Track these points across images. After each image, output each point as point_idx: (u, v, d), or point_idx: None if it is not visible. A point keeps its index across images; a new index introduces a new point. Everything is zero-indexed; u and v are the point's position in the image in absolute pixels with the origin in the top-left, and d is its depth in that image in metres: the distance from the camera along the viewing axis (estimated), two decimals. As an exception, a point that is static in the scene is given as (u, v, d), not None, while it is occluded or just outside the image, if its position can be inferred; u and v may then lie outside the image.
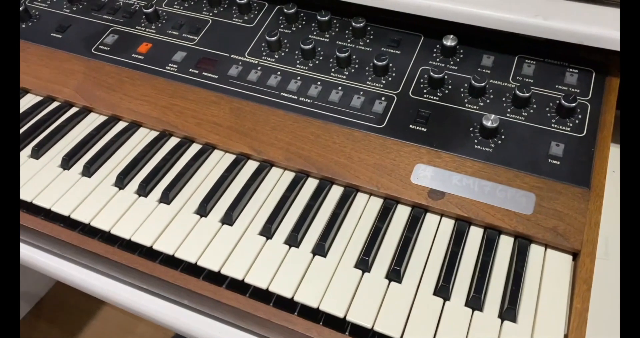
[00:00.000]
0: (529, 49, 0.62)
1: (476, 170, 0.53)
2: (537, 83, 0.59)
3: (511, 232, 0.50)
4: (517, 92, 0.56)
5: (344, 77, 0.62)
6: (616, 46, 0.55)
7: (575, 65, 0.60)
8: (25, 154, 0.59)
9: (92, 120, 0.63)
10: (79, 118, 0.63)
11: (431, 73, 0.59)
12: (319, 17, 0.66)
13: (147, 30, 0.70)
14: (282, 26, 0.68)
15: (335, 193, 0.55)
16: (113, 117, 0.63)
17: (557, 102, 0.56)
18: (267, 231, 0.51)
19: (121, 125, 0.62)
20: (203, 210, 0.53)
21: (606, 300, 0.49)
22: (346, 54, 0.62)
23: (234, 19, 0.70)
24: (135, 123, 0.62)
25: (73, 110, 0.64)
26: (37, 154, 0.59)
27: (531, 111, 0.57)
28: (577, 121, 0.56)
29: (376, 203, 0.53)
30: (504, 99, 0.58)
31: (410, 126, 0.57)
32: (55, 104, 0.65)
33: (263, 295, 0.48)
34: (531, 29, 0.57)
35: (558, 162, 0.53)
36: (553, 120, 0.56)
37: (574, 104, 0.55)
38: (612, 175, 0.61)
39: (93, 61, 0.67)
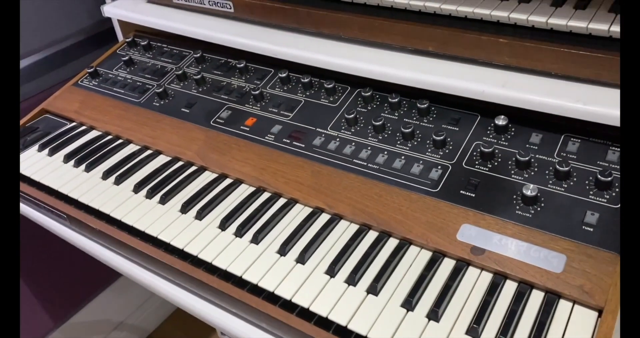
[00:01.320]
0: (574, 129, 0.70)
1: (515, 232, 0.61)
2: (579, 158, 0.67)
3: (542, 288, 0.57)
4: (557, 166, 0.64)
5: (407, 148, 0.74)
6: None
7: (618, 143, 0.67)
8: (155, 200, 0.77)
9: (206, 177, 0.80)
10: (197, 175, 0.81)
11: (482, 147, 0.69)
12: (389, 99, 0.79)
13: (253, 107, 0.88)
14: (359, 105, 0.83)
15: (390, 244, 0.65)
16: (222, 175, 0.80)
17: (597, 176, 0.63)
18: (331, 271, 0.62)
19: (227, 181, 0.79)
20: (283, 250, 0.66)
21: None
22: (410, 130, 0.74)
23: (321, 100, 0.86)
24: (238, 180, 0.78)
25: (193, 168, 0.82)
26: (164, 201, 0.76)
27: (571, 183, 0.64)
28: (613, 194, 0.62)
29: (425, 256, 0.63)
30: (547, 171, 0.66)
31: (461, 191, 0.67)
32: (179, 163, 0.84)
33: (325, 324, 0.58)
34: (573, 112, 0.66)
35: (591, 229, 0.59)
36: (591, 192, 0.63)
37: (609, 178, 0.61)
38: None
39: (211, 131, 0.86)
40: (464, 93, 0.73)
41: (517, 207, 0.64)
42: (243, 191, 0.77)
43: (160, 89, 0.94)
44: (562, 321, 0.54)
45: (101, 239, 0.78)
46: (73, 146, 0.90)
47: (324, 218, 0.70)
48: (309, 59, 0.85)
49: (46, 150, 0.90)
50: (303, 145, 0.79)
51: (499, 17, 0.71)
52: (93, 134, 0.93)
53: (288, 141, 0.80)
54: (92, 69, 1.03)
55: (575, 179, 0.65)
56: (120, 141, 0.91)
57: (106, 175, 0.83)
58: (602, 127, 0.65)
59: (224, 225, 0.71)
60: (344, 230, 0.68)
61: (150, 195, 0.78)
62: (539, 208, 0.63)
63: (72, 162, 0.87)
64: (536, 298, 0.56)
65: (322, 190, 0.72)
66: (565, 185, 0.64)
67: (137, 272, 0.74)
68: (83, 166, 0.85)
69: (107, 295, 1.55)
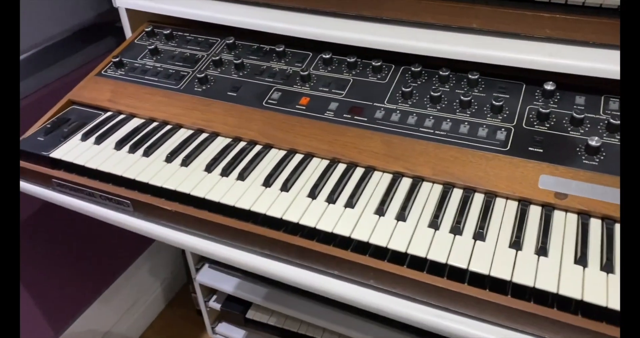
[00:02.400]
0: (612, 90, 0.80)
1: (588, 178, 0.70)
2: (622, 114, 0.77)
3: (625, 221, 0.65)
4: (611, 120, 0.73)
5: (468, 115, 0.81)
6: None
7: (651, 100, 0.77)
8: (232, 177, 0.78)
9: (275, 154, 0.82)
10: (265, 152, 0.82)
11: (540, 109, 0.77)
12: (440, 72, 0.86)
13: (302, 88, 0.91)
14: (409, 81, 0.88)
15: (478, 199, 0.71)
16: (291, 150, 0.82)
17: None
18: (435, 224, 0.67)
19: (299, 157, 0.81)
20: (380, 211, 0.70)
21: None
22: (468, 98, 0.81)
23: (369, 77, 0.90)
24: (309, 154, 0.81)
25: (257, 147, 0.84)
26: (242, 176, 0.77)
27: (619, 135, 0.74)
28: (661, 140, 0.72)
29: (513, 205, 0.70)
30: (598, 126, 0.76)
31: (529, 148, 0.74)
32: (242, 143, 0.85)
33: (438, 268, 0.63)
34: (610, 73, 0.75)
35: (653, 170, 0.69)
36: (642, 140, 0.73)
37: (658, 127, 0.71)
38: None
39: (266, 112, 0.88)
40: (513, 63, 0.81)
41: (583, 157, 0.72)
42: (318, 163, 0.79)
43: (202, 75, 0.94)
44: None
45: (174, 222, 0.78)
46: (121, 133, 0.88)
47: (407, 181, 0.75)
48: (351, 39, 0.89)
49: (92, 139, 0.88)
50: (365, 119, 0.83)
51: (543, -7, 0.80)
52: (136, 121, 0.92)
53: (349, 116, 0.84)
54: (117, 58, 1.01)
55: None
56: (169, 127, 0.90)
57: (169, 157, 0.82)
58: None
59: (313, 193, 0.73)
60: (430, 190, 0.73)
61: (225, 173, 0.78)
62: (602, 157, 0.72)
63: (126, 148, 0.85)
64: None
65: (398, 157, 0.77)
66: (618, 136, 0.74)
67: (224, 252, 0.74)
68: (140, 151, 0.84)
69: (94, 308, 1.49)
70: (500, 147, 0.75)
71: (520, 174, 0.72)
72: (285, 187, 0.75)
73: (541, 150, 0.74)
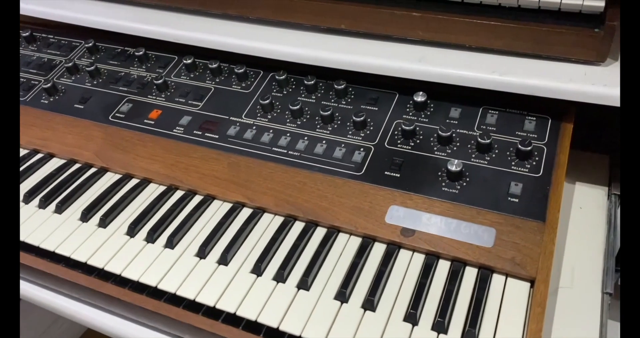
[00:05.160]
0: (492, 101, 0.69)
1: (444, 210, 0.60)
2: (499, 130, 0.66)
3: (475, 264, 0.56)
4: (479, 139, 0.63)
5: (328, 132, 0.71)
6: (567, 96, 0.62)
7: (533, 113, 0.67)
8: (50, 209, 0.68)
9: (109, 179, 0.72)
10: (97, 177, 0.72)
11: (403, 126, 0.67)
12: (305, 82, 0.75)
13: (157, 98, 0.80)
14: (274, 90, 0.78)
15: (318, 234, 0.61)
16: (126, 175, 0.72)
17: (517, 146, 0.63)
18: (258, 269, 0.57)
19: (134, 182, 0.71)
20: (202, 253, 0.60)
21: (569, 324, 0.54)
22: (329, 113, 0.70)
23: (233, 86, 0.80)
24: (146, 179, 0.71)
25: (92, 170, 0.73)
26: (60, 209, 0.67)
27: (493, 155, 0.64)
28: (534, 163, 0.62)
29: (355, 242, 0.60)
30: (469, 145, 0.65)
31: (386, 172, 0.64)
32: (76, 166, 0.74)
33: (254, 327, 0.53)
34: (489, 84, 0.65)
35: (517, 200, 0.59)
36: (513, 163, 0.63)
37: (529, 148, 0.61)
38: (579, 211, 0.67)
39: (111, 127, 0.77)
40: (380, 71, 0.70)
41: (443, 184, 0.62)
42: (152, 191, 0.69)
43: (48, 84, 0.83)
44: (497, 296, 0.53)
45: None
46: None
47: (245, 213, 0.65)
48: (215, 42, 0.79)
49: None
50: (217, 136, 0.73)
51: (409, -11, 0.68)
52: (-31, 139, 0.81)
53: (199, 133, 0.74)
54: (-37, 66, 0.90)
55: (496, 151, 0.64)
56: (3, 146, 0.79)
57: (-12, 185, 0.71)
58: (517, 97, 0.65)
59: (132, 230, 0.63)
60: (269, 224, 0.63)
61: (43, 204, 0.68)
62: (464, 183, 0.62)
63: (-56, 173, 0.75)
64: (470, 276, 0.55)
65: (241, 183, 0.67)
66: (488, 158, 0.64)
67: (34, 292, 0.64)
68: (-42, 177, 0.73)
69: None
70: (354, 171, 0.65)
71: (369, 205, 0.62)
72: (104, 223, 0.65)
73: (398, 175, 0.64)
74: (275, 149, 0.70)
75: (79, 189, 0.69)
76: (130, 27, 0.84)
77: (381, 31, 0.72)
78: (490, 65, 0.66)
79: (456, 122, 0.68)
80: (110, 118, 0.79)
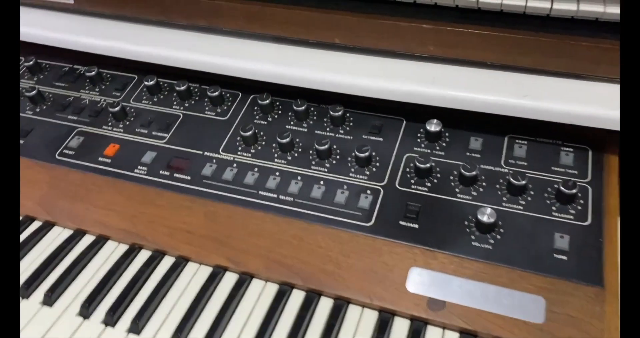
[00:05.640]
0: (519, 128, 0.58)
1: (476, 272, 0.48)
2: (531, 165, 0.56)
3: (524, 346, 0.45)
4: (512, 180, 0.52)
5: (326, 169, 0.58)
6: (610, 125, 0.51)
7: (569, 143, 0.57)
8: (-20, 281, 0.54)
9: (56, 236, 0.58)
10: (41, 234, 0.58)
11: (417, 162, 0.55)
12: (294, 107, 0.62)
13: (114, 129, 0.66)
14: (257, 117, 0.65)
15: (324, 306, 0.49)
16: (78, 230, 0.58)
17: (556, 187, 0.52)
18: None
19: (87, 240, 0.57)
20: (177, 339, 0.47)
21: None
22: (326, 147, 0.58)
23: (206, 112, 0.67)
24: (102, 236, 0.57)
25: (35, 225, 0.59)
26: (-7, 281, 0.53)
27: (529, 198, 0.53)
28: (579, 207, 0.51)
29: (371, 318, 0.48)
30: (497, 186, 0.54)
31: (400, 222, 0.53)
32: (16, 219, 0.60)
33: None
34: (520, 111, 0.54)
35: (565, 257, 0.48)
36: (553, 208, 0.52)
37: (574, 191, 0.51)
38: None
39: (58, 168, 0.63)
40: (384, 95, 0.58)
41: (472, 237, 0.51)
42: (111, 252, 0.56)
43: (-22, 114, 0.68)
44: (557, 391, 0.42)
45: None
46: None
47: (229, 279, 0.52)
48: (182, 60, 0.65)
49: None
50: (188, 178, 0.60)
51: (419, -4, 0.56)
52: None
53: (167, 173, 0.60)
54: None
55: (532, 192, 0.53)
56: None
57: None
58: (548, 124, 0.54)
59: (87, 310, 0.50)
60: (260, 294, 0.51)
61: (-30, 275, 0.54)
62: (498, 236, 0.50)
63: None
64: (518, 361, 0.44)
65: (221, 239, 0.54)
66: (523, 202, 0.53)
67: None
68: None
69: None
70: (362, 221, 0.53)
71: (384, 267, 0.50)
72: (50, 300, 0.51)
73: (416, 226, 0.52)
74: (263, 193, 0.57)
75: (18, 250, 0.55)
76: (79, 42, 0.70)
77: (383, 46, 0.60)
78: (518, 87, 0.55)
79: (479, 156, 0.57)
80: (57, 156, 0.64)
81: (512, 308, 0.46)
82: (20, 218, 0.60)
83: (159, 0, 0.66)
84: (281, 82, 0.62)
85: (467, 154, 0.57)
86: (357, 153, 0.57)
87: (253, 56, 0.63)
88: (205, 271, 0.53)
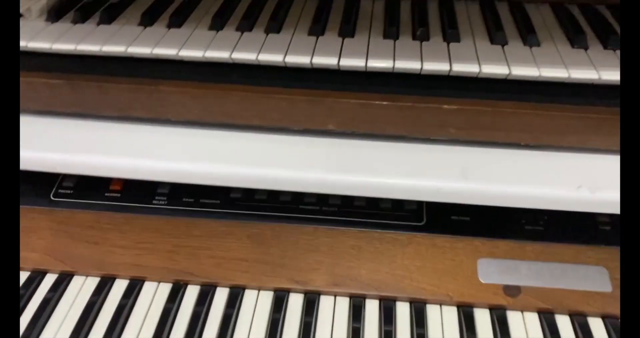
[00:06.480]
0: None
1: (538, 254, 0.51)
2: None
3: (598, 314, 0.48)
4: (544, 162, 0.55)
5: (359, 175, 0.57)
6: None
7: None
8: (6, 354, 0.46)
9: (79, 289, 0.51)
10: (62, 286, 0.51)
11: (452, 157, 0.56)
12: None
13: (112, 159, 0.60)
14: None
15: (402, 312, 0.49)
16: (105, 276, 0.51)
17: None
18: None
19: (121, 285, 0.51)
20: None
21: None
22: (357, 151, 0.57)
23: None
24: (136, 279, 0.51)
25: (50, 278, 0.52)
26: (22, 350, 0.46)
27: (559, 177, 0.56)
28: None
29: (451, 314, 0.48)
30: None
31: (452, 217, 0.53)
32: (23, 276, 0.52)
33: None
34: (576, 204, 0.46)
35: (609, 227, 0.52)
36: (583, 184, 0.55)
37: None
38: None
39: (57, 211, 0.55)
40: (390, 194, 0.47)
41: (523, 221, 0.53)
42: (153, 294, 0.50)
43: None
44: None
45: None
46: None
47: (296, 301, 0.50)
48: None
49: None
50: (218, 202, 0.56)
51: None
52: None
53: (191, 200, 0.56)
54: None
55: (560, 172, 0.57)
56: None
57: None
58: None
59: (152, 364, 0.45)
60: (333, 311, 0.49)
61: (-8, 349, 0.46)
62: (546, 217, 0.53)
63: None
64: (599, 329, 0.47)
65: (276, 262, 0.51)
66: (556, 182, 0.56)
67: None
68: None
69: None
70: (414, 221, 0.53)
71: (451, 263, 0.50)
72: (104, 359, 0.45)
73: (467, 219, 0.53)
74: (303, 207, 0.55)
75: (42, 310, 0.48)
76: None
77: (391, 131, 0.47)
78: (569, 175, 0.46)
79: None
80: (52, 196, 0.57)
81: (580, 281, 0.49)
82: (29, 273, 0.52)
83: None
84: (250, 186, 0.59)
85: (490, 142, 0.59)
86: (391, 154, 0.57)
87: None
88: (267, 296, 0.50)
